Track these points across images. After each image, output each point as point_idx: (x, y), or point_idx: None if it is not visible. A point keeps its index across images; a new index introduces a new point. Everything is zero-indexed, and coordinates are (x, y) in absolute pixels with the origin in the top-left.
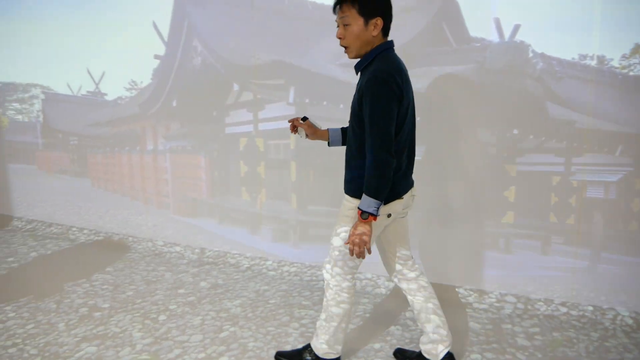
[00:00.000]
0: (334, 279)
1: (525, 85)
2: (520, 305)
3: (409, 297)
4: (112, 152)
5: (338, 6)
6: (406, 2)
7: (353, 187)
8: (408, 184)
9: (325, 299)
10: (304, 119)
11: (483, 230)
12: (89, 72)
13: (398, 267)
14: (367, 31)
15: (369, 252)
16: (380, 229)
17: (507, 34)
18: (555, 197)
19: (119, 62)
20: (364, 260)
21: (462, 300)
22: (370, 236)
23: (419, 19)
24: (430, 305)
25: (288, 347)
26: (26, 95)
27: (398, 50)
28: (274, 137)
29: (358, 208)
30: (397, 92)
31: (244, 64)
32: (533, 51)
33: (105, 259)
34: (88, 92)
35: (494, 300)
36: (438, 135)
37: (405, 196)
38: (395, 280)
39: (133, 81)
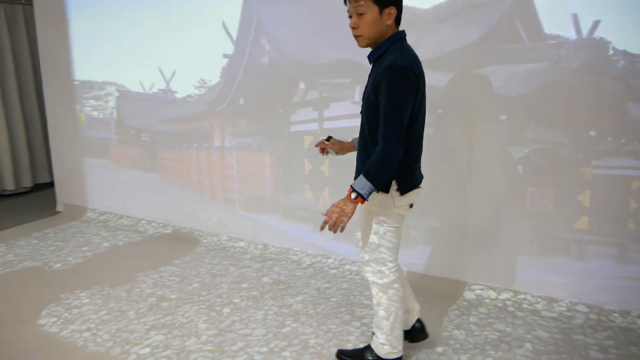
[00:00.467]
0: (375, 275)
1: (604, 84)
2: (593, 316)
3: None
4: (181, 149)
5: None
6: None
7: (359, 172)
8: (421, 175)
9: (373, 299)
10: (329, 138)
11: (554, 235)
12: (160, 71)
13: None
14: (381, 20)
15: (342, 230)
16: (403, 221)
17: (585, 30)
18: (635, 202)
19: (189, 61)
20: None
21: (530, 307)
22: (349, 217)
23: (489, 16)
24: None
25: (349, 346)
26: (102, 92)
27: (468, 47)
28: (339, 135)
29: (351, 186)
30: (414, 82)
31: (310, 63)
32: (614, 48)
33: (173, 251)
34: (159, 90)
35: (564, 309)
36: (511, 134)
37: (422, 185)
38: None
39: (202, 80)
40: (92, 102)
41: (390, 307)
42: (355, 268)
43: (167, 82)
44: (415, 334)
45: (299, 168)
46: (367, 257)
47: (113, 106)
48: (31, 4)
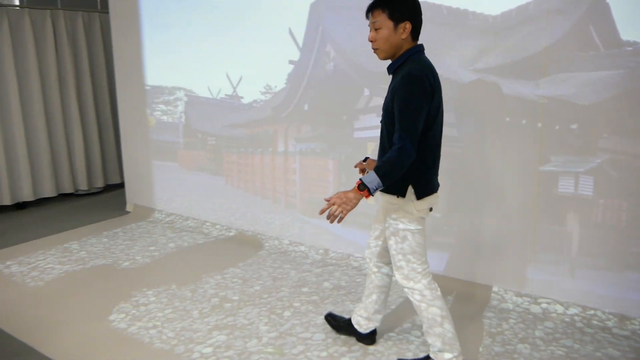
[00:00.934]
0: (410, 282)
1: None
2: None
3: (374, 274)
4: (245, 153)
5: (370, 12)
6: (549, 4)
7: (393, 185)
8: (437, 183)
9: (415, 307)
10: (365, 159)
11: (627, 249)
12: (228, 77)
13: (385, 253)
14: (396, 34)
15: (339, 221)
16: (424, 224)
17: None
18: None
19: (255, 67)
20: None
21: (600, 324)
22: (351, 208)
23: (562, 22)
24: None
25: (409, 355)
26: (171, 97)
27: (539, 55)
28: None
29: (360, 179)
30: (429, 90)
31: (375, 69)
32: None
33: (236, 253)
34: (226, 95)
35: (637, 327)
36: (582, 144)
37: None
38: (375, 259)
39: (268, 85)
40: (162, 106)
41: (433, 309)
42: None
43: (234, 88)
44: (354, 333)
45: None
46: (398, 265)
47: (181, 110)
48: (107, 12)
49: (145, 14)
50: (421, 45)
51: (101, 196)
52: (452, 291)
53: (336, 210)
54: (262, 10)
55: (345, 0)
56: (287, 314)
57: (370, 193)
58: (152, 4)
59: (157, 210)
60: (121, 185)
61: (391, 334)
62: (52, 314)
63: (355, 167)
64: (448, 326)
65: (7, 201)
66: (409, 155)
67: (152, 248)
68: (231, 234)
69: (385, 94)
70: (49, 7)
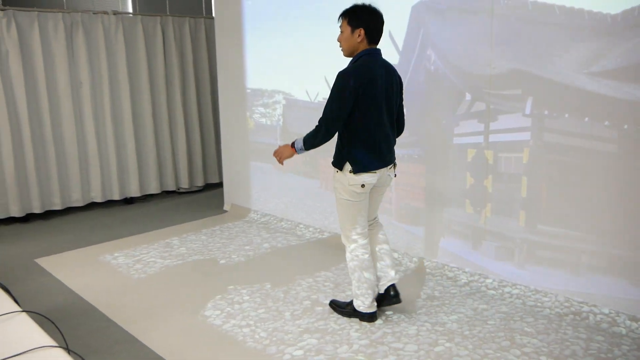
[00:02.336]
0: (344, 239)
1: None
2: None
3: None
4: None
5: (339, 19)
6: None
7: (336, 159)
8: (381, 162)
9: (348, 268)
10: None
11: None
12: (326, 81)
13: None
14: (353, 37)
15: (281, 163)
16: (363, 195)
17: None
18: None
19: None
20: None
21: None
22: (286, 157)
23: None
24: (378, 253)
25: None
26: (270, 100)
27: None
28: (506, 149)
29: (293, 142)
30: (352, 85)
31: (478, 73)
32: None
33: (328, 257)
34: (324, 98)
35: None
36: None
37: (379, 171)
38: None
39: None
40: (261, 109)
41: (351, 266)
42: (516, 291)
43: None
44: (386, 298)
45: (460, 181)
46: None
47: (280, 113)
48: (212, 18)
49: (248, 19)
50: (372, 49)
51: (201, 195)
52: None
53: (278, 159)
54: None
55: (448, 2)
56: (378, 322)
57: (295, 149)
58: (255, 9)
59: (253, 210)
60: (220, 185)
61: (488, 351)
62: (152, 306)
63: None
64: (361, 284)
65: (116, 196)
66: (321, 131)
67: (247, 247)
68: (324, 237)
69: (488, 98)
70: (159, 14)
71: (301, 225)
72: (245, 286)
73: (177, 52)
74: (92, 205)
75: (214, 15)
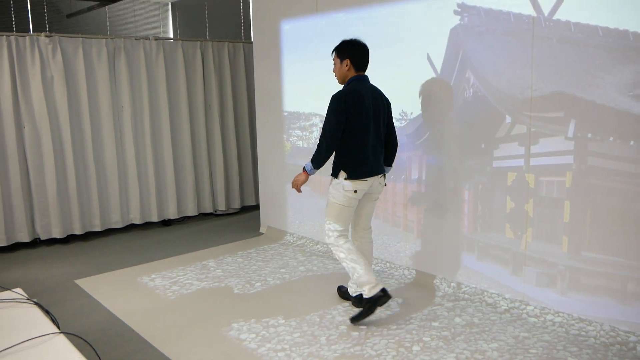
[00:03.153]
0: (326, 237)
1: None
2: None
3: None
4: None
5: (332, 54)
6: None
7: (333, 171)
8: (371, 172)
9: (338, 258)
10: None
11: None
12: None
13: (357, 230)
14: (342, 67)
15: (299, 191)
16: (354, 202)
17: None
18: None
19: (391, 93)
20: None
21: None
22: (302, 184)
23: None
24: (362, 260)
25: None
26: (307, 123)
27: None
28: (548, 173)
29: (304, 167)
30: (343, 107)
31: (518, 96)
32: None
33: None
34: None
35: None
36: None
37: (370, 180)
38: (349, 235)
39: (403, 112)
40: (298, 132)
41: (342, 258)
42: (559, 319)
43: None
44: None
45: (500, 205)
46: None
47: (316, 136)
48: (250, 42)
49: (286, 43)
50: (360, 75)
51: (237, 217)
52: None
53: (295, 186)
54: (399, 37)
55: (488, 24)
56: (416, 348)
57: (307, 172)
58: (292, 33)
59: (289, 233)
60: (256, 207)
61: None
62: (188, 328)
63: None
64: (355, 270)
65: (154, 218)
66: (322, 148)
67: (283, 270)
68: None
69: (529, 120)
70: (199, 39)
71: None
72: (280, 309)
73: (216, 76)
74: (130, 227)
75: (252, 39)
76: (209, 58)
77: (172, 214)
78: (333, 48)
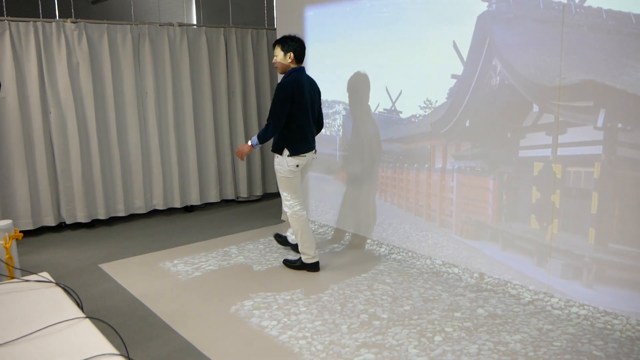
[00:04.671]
0: (285, 207)
1: None
2: None
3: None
4: (401, 168)
5: (274, 46)
6: None
7: (276, 146)
8: (309, 148)
9: (293, 228)
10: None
11: None
12: (387, 91)
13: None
14: (285, 59)
15: (242, 159)
16: (297, 174)
17: None
18: None
19: (416, 81)
20: None
21: None
22: (245, 154)
23: None
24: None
25: None
26: (330, 111)
27: None
28: (575, 163)
29: (249, 140)
30: (289, 94)
31: (547, 84)
32: None
33: (386, 270)
34: (385, 109)
35: None
36: None
37: (308, 155)
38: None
39: (428, 100)
40: None
41: (296, 227)
42: (584, 312)
43: (393, 102)
44: (285, 241)
45: (526, 196)
46: (282, 196)
47: (339, 124)
48: (274, 29)
49: (309, 30)
50: (299, 67)
51: (259, 204)
52: None
53: (238, 155)
54: (424, 24)
55: (516, 11)
56: (437, 338)
57: (252, 146)
58: (316, 20)
59: (311, 220)
60: (278, 195)
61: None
62: (211, 315)
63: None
64: (305, 239)
65: (177, 204)
66: (270, 128)
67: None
68: (382, 249)
69: (557, 109)
70: (222, 26)
71: (358, 237)
72: (302, 297)
73: (239, 63)
74: (153, 213)
75: (275, 26)
76: (232, 45)
77: (194, 200)
78: (275, 41)
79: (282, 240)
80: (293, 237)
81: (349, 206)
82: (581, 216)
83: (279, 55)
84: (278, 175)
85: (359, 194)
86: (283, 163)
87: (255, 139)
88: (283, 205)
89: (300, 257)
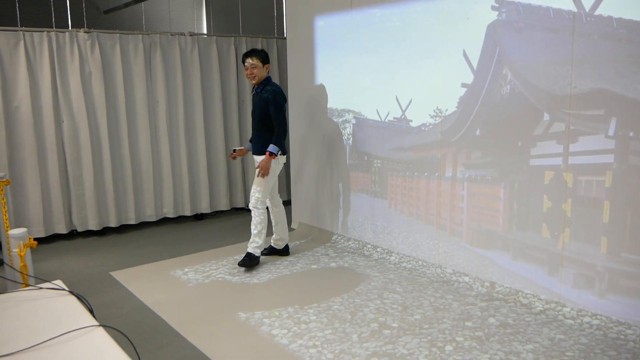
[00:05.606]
0: (251, 203)
1: None
2: None
3: (271, 210)
4: (411, 176)
5: (250, 56)
6: None
7: (261, 149)
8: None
9: (255, 222)
10: (234, 150)
11: None
12: (397, 100)
13: (274, 196)
14: (263, 70)
15: (263, 177)
16: (278, 172)
17: None
18: None
19: (426, 90)
20: None
21: None
22: (268, 168)
23: None
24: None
25: None
26: (340, 119)
27: None
28: (587, 172)
29: (267, 151)
30: (285, 100)
31: (558, 93)
32: None
33: (396, 278)
34: (394, 118)
35: None
36: None
37: None
38: (269, 202)
39: (438, 109)
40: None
41: (261, 225)
42: (597, 322)
43: (403, 111)
44: (271, 251)
45: (537, 205)
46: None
47: (349, 132)
48: (284, 38)
49: (319, 39)
50: (269, 75)
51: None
52: None
53: (261, 174)
54: (435, 33)
55: (527, 20)
56: (449, 348)
57: (275, 155)
58: (326, 29)
59: (320, 229)
60: (288, 203)
61: None
62: (222, 323)
63: (231, 156)
64: (261, 232)
65: (187, 212)
66: (282, 133)
67: (314, 267)
68: (392, 257)
69: (568, 118)
70: (232, 35)
71: (369, 245)
72: (312, 306)
73: None
74: (164, 221)
75: (285, 35)
76: (242, 53)
77: (204, 208)
78: (253, 53)
79: (266, 252)
80: (281, 243)
81: (361, 216)
82: (593, 225)
83: (259, 66)
84: (268, 174)
85: (372, 204)
86: (274, 162)
87: (274, 148)
88: (253, 200)
89: (251, 254)
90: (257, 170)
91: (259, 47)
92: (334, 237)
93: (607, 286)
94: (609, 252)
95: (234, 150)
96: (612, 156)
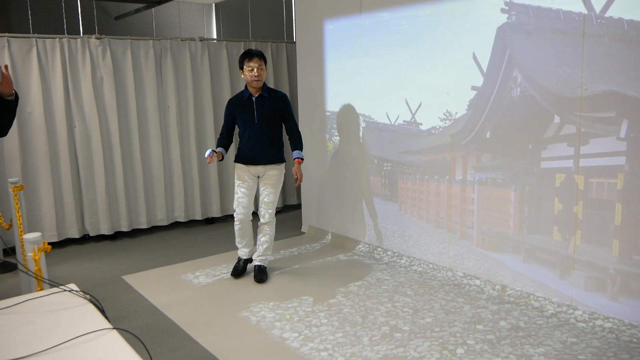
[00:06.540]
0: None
1: None
2: None
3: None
4: (421, 180)
5: (258, 57)
6: None
7: (280, 157)
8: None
9: (270, 235)
10: (212, 151)
11: None
12: (407, 103)
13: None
14: (265, 73)
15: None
16: None
17: None
18: None
19: (436, 93)
20: None
21: None
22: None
23: None
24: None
25: None
26: (350, 123)
27: None
28: (598, 174)
29: (298, 157)
30: None
31: (568, 95)
32: None
33: (407, 282)
34: (404, 121)
35: None
36: None
37: None
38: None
39: (448, 112)
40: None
41: (273, 234)
42: (609, 325)
43: (413, 114)
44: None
45: (548, 207)
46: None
47: (360, 136)
48: (293, 42)
49: (329, 43)
50: None
51: (279, 216)
52: None
53: (299, 182)
54: (444, 36)
55: (537, 23)
56: (460, 351)
57: (302, 160)
58: (335, 33)
59: (331, 232)
60: (298, 206)
61: None
62: (233, 326)
63: (211, 159)
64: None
65: (198, 216)
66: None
67: (325, 270)
68: (402, 261)
69: (579, 120)
70: (242, 40)
71: (379, 249)
72: (323, 309)
73: None
74: (175, 225)
75: (295, 39)
76: None
77: (215, 212)
78: (262, 56)
79: (243, 268)
80: (263, 257)
81: (371, 219)
82: (604, 228)
83: (264, 69)
84: (278, 185)
85: (382, 207)
86: (282, 169)
87: (301, 153)
88: (265, 214)
89: (264, 262)
90: (271, 183)
91: (269, 51)
92: (344, 240)
93: (619, 289)
94: (621, 254)
95: (212, 152)
96: (624, 158)
